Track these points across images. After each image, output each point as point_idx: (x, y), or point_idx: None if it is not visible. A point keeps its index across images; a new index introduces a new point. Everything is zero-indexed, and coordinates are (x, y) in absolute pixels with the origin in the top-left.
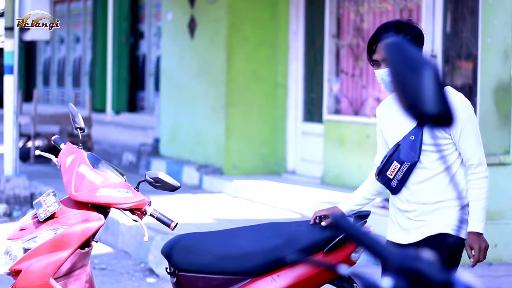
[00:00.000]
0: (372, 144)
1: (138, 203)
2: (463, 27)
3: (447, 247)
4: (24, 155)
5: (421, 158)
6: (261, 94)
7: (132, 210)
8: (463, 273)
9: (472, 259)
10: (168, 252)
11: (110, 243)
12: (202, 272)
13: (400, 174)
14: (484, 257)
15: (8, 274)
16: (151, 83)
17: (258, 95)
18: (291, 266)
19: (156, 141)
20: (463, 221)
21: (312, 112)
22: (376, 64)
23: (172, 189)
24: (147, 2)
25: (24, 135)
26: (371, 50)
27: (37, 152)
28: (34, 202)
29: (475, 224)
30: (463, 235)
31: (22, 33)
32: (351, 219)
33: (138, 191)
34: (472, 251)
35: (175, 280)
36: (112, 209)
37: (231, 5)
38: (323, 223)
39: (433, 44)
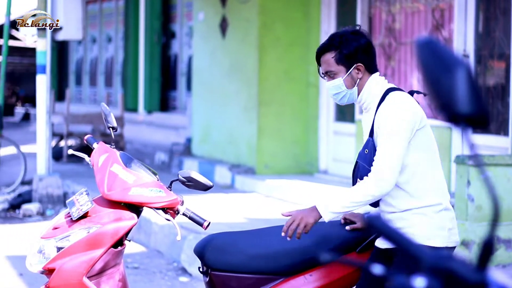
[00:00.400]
0: None
1: (170, 203)
2: (496, 27)
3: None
4: (57, 155)
5: None
6: (293, 94)
7: (164, 209)
8: (497, 274)
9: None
10: (200, 251)
11: (143, 242)
12: (234, 271)
13: None
14: (296, 229)
15: (42, 272)
16: (183, 83)
17: (290, 95)
18: (323, 266)
19: (188, 140)
20: (436, 228)
21: (344, 112)
22: (324, 76)
23: (205, 188)
24: (179, 1)
25: (56, 135)
26: (319, 62)
27: (70, 152)
28: (67, 201)
29: (322, 199)
30: (435, 243)
31: (55, 33)
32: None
33: (170, 190)
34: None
35: (207, 279)
36: (144, 208)
37: (263, 4)
38: (347, 228)
39: (465, 43)
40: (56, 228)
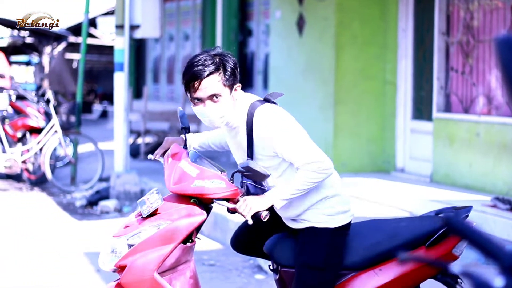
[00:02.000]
0: (482, 142)
1: (231, 193)
2: None
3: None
4: (134, 152)
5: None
6: (370, 92)
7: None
8: None
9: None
10: (270, 249)
11: (219, 239)
12: None
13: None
14: (243, 212)
15: (114, 271)
16: (259, 81)
17: (367, 93)
18: (393, 261)
19: None
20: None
21: (421, 110)
22: (198, 101)
23: (262, 177)
24: (256, 0)
25: (134, 132)
26: (190, 87)
27: (150, 157)
28: (138, 201)
29: (270, 193)
30: (328, 224)
31: (133, 31)
32: (456, 215)
33: (232, 182)
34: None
35: (277, 277)
36: (216, 205)
37: (340, 3)
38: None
39: None
40: (127, 227)
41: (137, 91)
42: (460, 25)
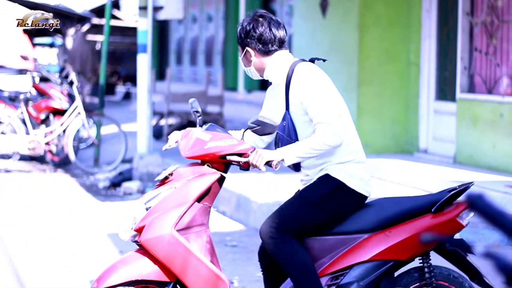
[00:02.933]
0: (506, 123)
1: (243, 149)
2: None
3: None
4: (157, 133)
5: (300, 135)
6: (393, 73)
7: (241, 166)
8: None
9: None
10: None
11: (242, 220)
12: (318, 234)
13: None
14: (256, 163)
15: (133, 239)
16: None
17: (391, 74)
18: (402, 224)
19: None
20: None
21: (445, 91)
22: None
23: (272, 129)
24: None
25: (157, 113)
26: None
27: (164, 148)
28: (155, 179)
29: (284, 148)
30: (344, 180)
31: (156, 12)
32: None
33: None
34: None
35: None
36: (239, 185)
37: None
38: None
39: None
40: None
41: (160, 73)
42: (484, 5)
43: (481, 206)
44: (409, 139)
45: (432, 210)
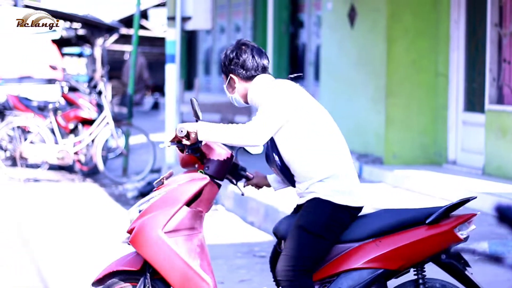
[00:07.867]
0: None
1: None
2: None
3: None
4: None
5: (280, 149)
6: (421, 84)
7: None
8: None
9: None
10: (276, 228)
11: (270, 231)
12: None
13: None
14: (181, 134)
15: (129, 243)
16: (311, 72)
17: (419, 85)
18: (392, 235)
19: None
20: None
21: (473, 102)
22: None
23: (196, 116)
24: None
25: None
26: None
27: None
28: (154, 183)
29: (204, 122)
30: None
31: (184, 23)
32: None
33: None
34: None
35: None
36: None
37: None
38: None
39: None
40: None
41: (188, 83)
42: None
43: (511, 217)
44: (437, 150)
45: (427, 222)
